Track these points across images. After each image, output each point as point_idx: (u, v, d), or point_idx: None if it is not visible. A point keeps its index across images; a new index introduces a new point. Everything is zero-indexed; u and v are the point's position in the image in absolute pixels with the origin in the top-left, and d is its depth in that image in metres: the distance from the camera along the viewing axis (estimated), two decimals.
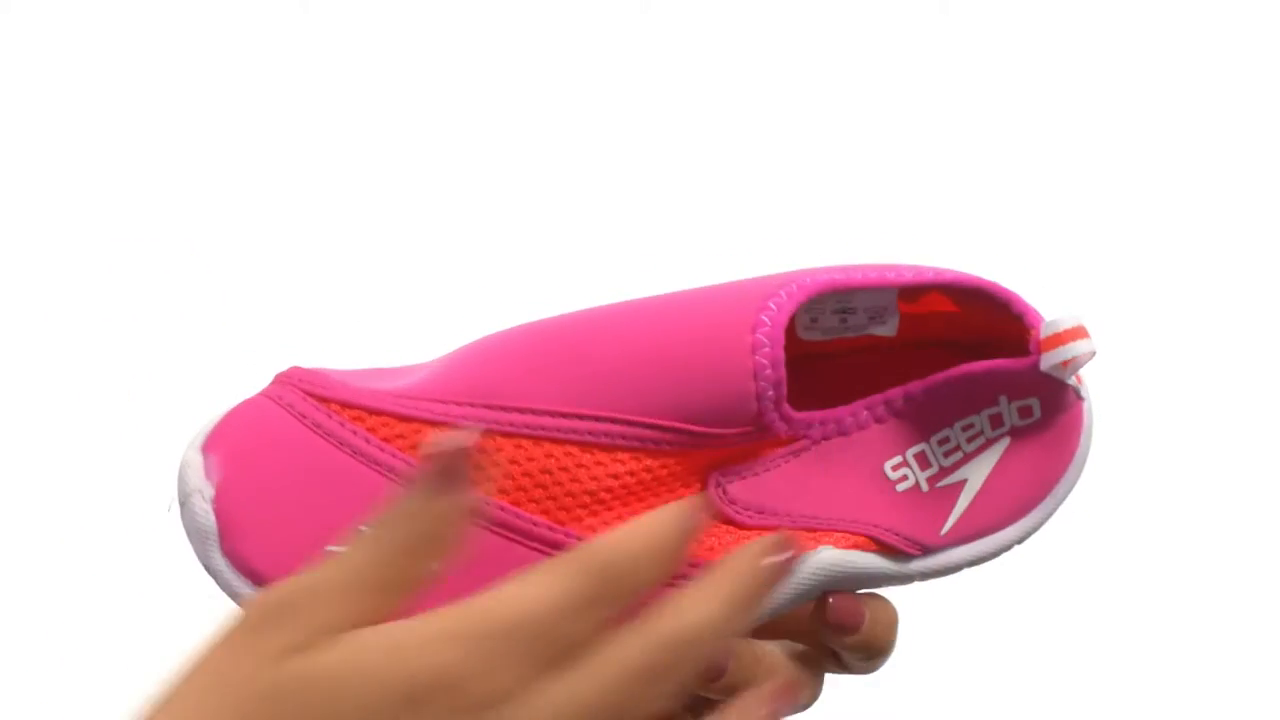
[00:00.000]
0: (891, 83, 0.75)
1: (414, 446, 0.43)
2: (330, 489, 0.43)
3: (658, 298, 0.47)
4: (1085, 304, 0.70)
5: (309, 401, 0.45)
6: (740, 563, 0.39)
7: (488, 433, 0.43)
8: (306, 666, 0.33)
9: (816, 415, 0.46)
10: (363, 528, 0.37)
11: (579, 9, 0.75)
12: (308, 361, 0.60)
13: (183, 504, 0.43)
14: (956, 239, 0.72)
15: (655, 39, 0.74)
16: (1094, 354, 0.47)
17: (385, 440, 0.43)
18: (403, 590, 0.37)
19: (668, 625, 0.37)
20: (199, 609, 0.44)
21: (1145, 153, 0.74)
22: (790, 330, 0.50)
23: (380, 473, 0.43)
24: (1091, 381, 0.53)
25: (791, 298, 0.45)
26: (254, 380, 0.59)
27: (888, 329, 0.50)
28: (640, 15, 0.75)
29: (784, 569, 0.40)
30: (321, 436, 0.44)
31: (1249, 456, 0.66)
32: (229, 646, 0.34)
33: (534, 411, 0.43)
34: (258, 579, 0.42)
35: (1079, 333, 0.47)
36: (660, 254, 0.70)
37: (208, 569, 0.42)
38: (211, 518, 0.42)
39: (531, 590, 0.36)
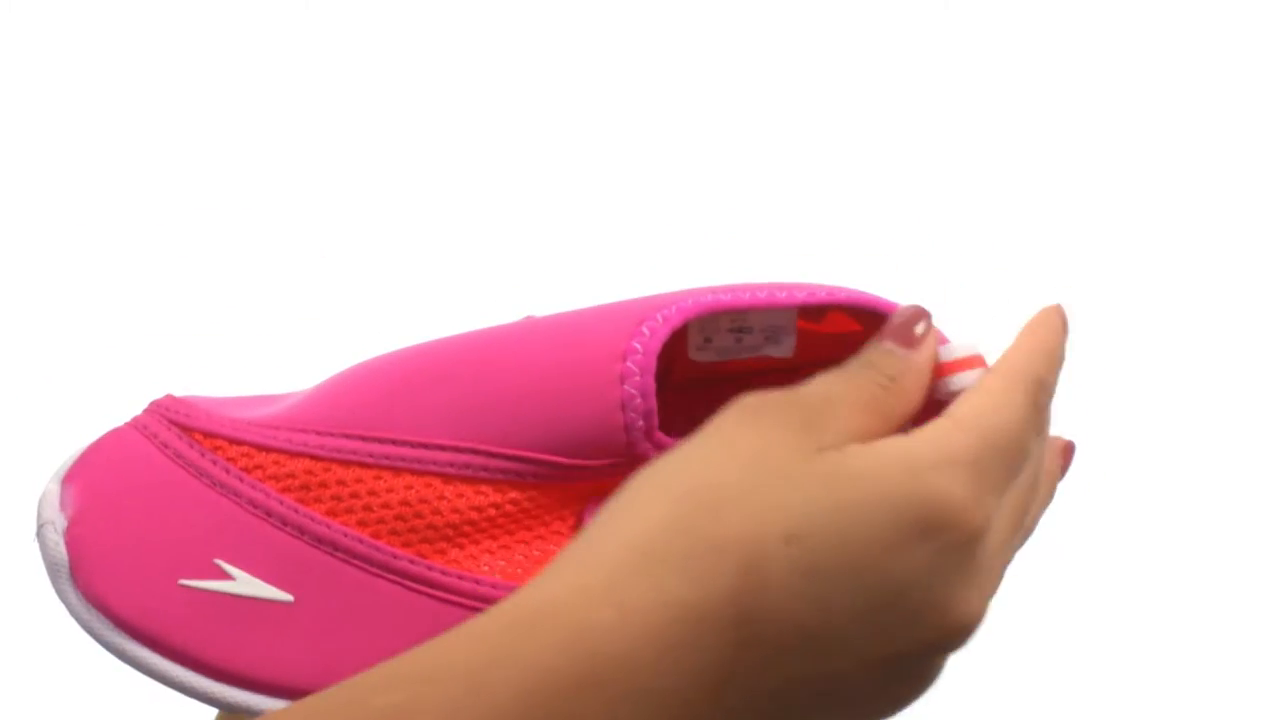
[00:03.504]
0: (890, 83, 0.74)
1: (273, 477, 0.42)
2: (187, 519, 0.42)
3: (531, 321, 0.45)
4: (1082, 302, 0.68)
5: (172, 430, 0.44)
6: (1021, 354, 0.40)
7: (345, 463, 0.42)
8: (839, 463, 0.34)
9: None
10: (854, 360, 0.39)
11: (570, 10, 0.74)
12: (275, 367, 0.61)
13: (37, 535, 0.42)
14: (952, 238, 0.70)
15: (653, 38, 0.73)
16: None
17: (245, 470, 0.43)
18: (893, 419, 0.38)
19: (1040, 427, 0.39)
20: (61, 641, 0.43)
21: (1135, 154, 0.72)
22: (682, 350, 0.48)
23: (238, 503, 0.42)
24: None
25: (667, 322, 0.43)
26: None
27: (783, 350, 0.48)
28: (638, 14, 0.73)
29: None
30: (181, 467, 0.43)
31: (1223, 461, 0.64)
32: (763, 432, 0.35)
33: (393, 441, 0.42)
34: (109, 613, 0.41)
35: (974, 362, 0.44)
36: (643, 254, 0.69)
37: (61, 600, 0.42)
38: (62, 549, 0.41)
39: (1003, 413, 0.37)
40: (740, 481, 0.34)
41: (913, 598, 0.34)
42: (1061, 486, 0.52)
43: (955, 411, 0.37)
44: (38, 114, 0.68)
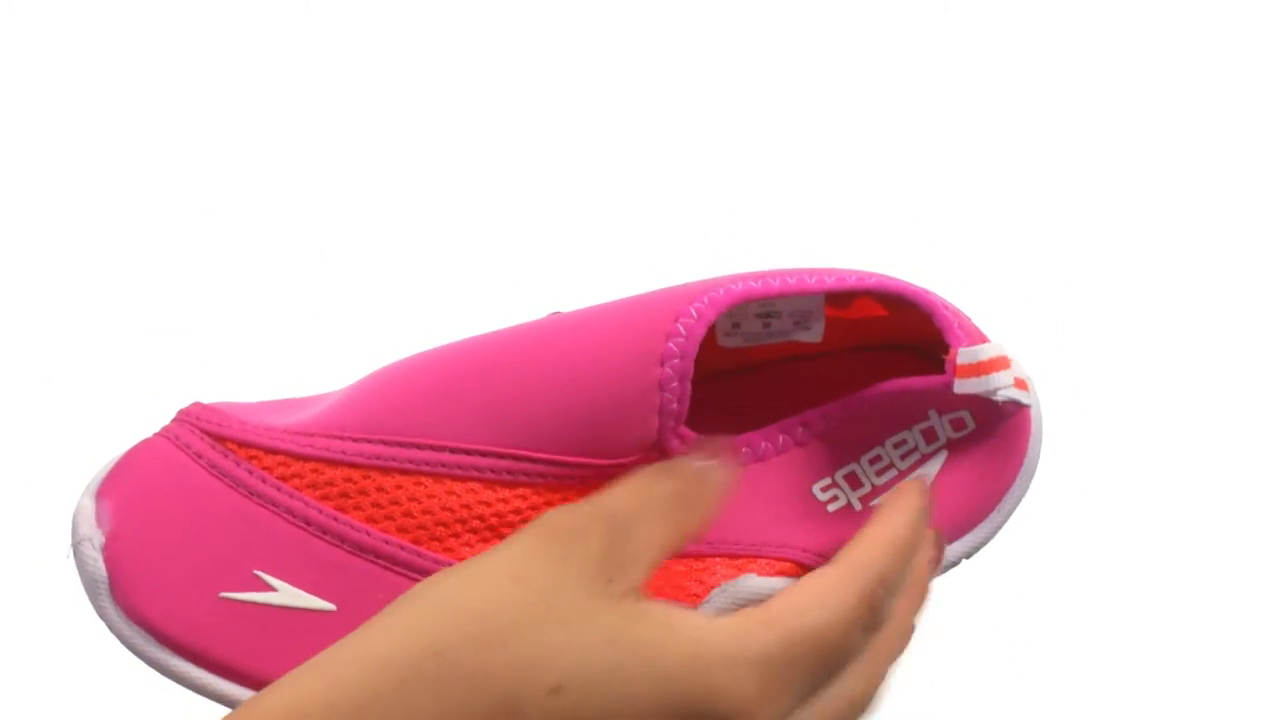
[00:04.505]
0: (888, 84, 0.73)
1: (311, 485, 0.42)
2: (226, 530, 0.42)
3: (561, 317, 0.45)
4: (1082, 307, 0.69)
5: (205, 440, 0.43)
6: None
7: (385, 470, 0.42)
8: (627, 622, 0.33)
9: (723, 441, 0.44)
10: (642, 472, 0.39)
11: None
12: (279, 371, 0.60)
13: (74, 552, 0.41)
14: (953, 238, 0.70)
15: (650, 37, 0.73)
16: (1015, 383, 0.45)
17: (282, 479, 0.42)
18: (688, 531, 0.38)
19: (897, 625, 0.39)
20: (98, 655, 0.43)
21: (1140, 153, 0.72)
22: (710, 338, 0.48)
23: (277, 513, 0.42)
24: (1059, 385, 0.52)
25: (713, 304, 0.43)
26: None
27: (812, 335, 0.48)
28: (652, 8, 0.73)
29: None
30: (217, 477, 0.42)
31: (1220, 458, 0.64)
32: (555, 565, 0.34)
33: (433, 447, 0.42)
34: (150, 628, 0.41)
35: (999, 363, 0.44)
36: (648, 252, 0.69)
37: (100, 617, 0.41)
38: (101, 566, 0.41)
39: (822, 614, 0.36)
40: (517, 619, 0.33)
41: None
42: (1061, 486, 0.52)
43: (771, 604, 0.36)
44: (54, 117, 0.67)
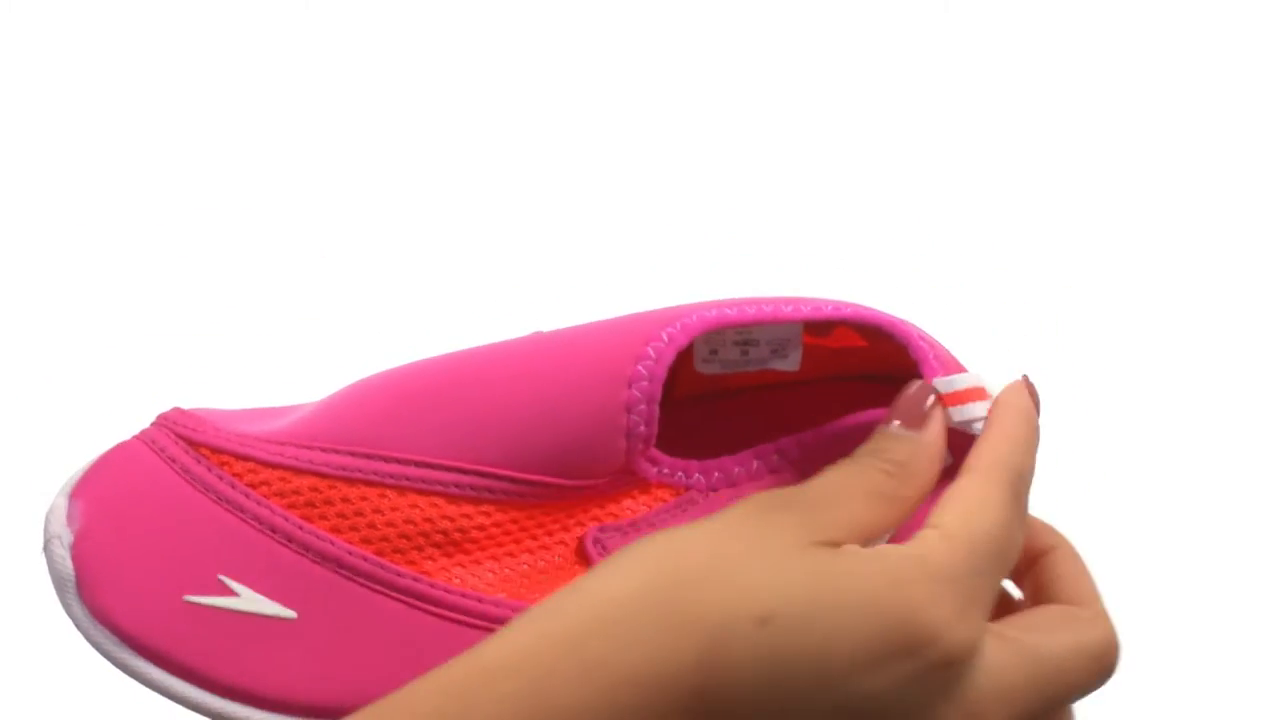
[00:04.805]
0: (889, 84, 0.73)
1: (279, 493, 0.42)
2: (193, 534, 0.42)
3: (538, 336, 0.45)
4: (1082, 307, 0.69)
5: (180, 445, 0.44)
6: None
7: (350, 481, 0.42)
8: (829, 560, 0.34)
9: (695, 464, 0.44)
10: (862, 448, 0.39)
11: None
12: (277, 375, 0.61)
13: (44, 549, 0.42)
14: (953, 238, 0.70)
15: (646, 37, 0.73)
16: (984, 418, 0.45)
17: (250, 486, 0.43)
18: (906, 504, 0.38)
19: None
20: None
21: (1134, 157, 0.72)
22: (689, 364, 0.48)
23: (244, 519, 0.42)
24: (1058, 385, 0.51)
25: (685, 330, 0.43)
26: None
27: (789, 364, 0.48)
28: (639, 27, 0.73)
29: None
30: (188, 481, 0.43)
31: (1222, 461, 0.64)
32: (763, 521, 0.36)
33: (399, 460, 0.42)
34: (115, 628, 0.41)
35: (976, 394, 0.44)
36: (650, 262, 0.69)
37: (68, 615, 0.42)
38: (69, 564, 0.42)
39: (989, 515, 0.37)
40: (724, 561, 0.34)
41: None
42: (1060, 486, 0.52)
43: (940, 520, 0.37)
44: (41, 118, 0.68)
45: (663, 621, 0.33)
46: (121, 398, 0.58)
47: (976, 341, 0.50)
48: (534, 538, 0.44)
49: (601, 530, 0.43)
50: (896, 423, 0.40)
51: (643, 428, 0.42)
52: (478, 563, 0.43)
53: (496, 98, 0.71)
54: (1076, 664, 0.37)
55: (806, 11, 0.74)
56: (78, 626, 0.42)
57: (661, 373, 0.42)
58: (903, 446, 0.39)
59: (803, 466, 0.46)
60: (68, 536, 0.42)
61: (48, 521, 0.43)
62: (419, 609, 0.42)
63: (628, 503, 0.45)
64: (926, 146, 0.72)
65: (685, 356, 0.48)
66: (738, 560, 0.34)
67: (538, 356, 0.43)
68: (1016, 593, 0.45)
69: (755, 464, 0.45)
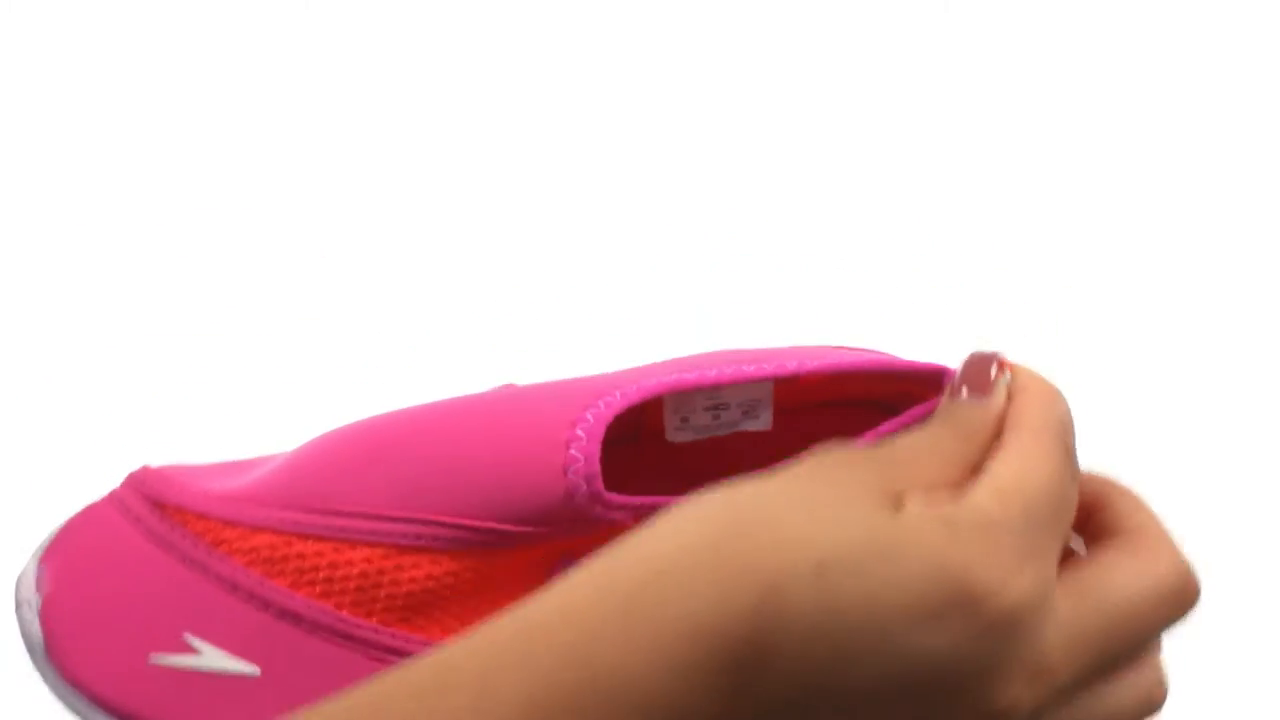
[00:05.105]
0: (888, 84, 0.73)
1: (239, 551, 0.43)
2: (158, 594, 0.43)
3: (492, 394, 0.46)
4: (1082, 307, 0.67)
5: (146, 505, 0.45)
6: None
7: (304, 536, 0.43)
8: (889, 514, 0.34)
9: (650, 501, 0.44)
10: (933, 417, 0.39)
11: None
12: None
13: (16, 613, 0.43)
14: (952, 238, 0.69)
15: (643, 36, 0.73)
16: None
17: (213, 545, 0.43)
18: (968, 474, 0.37)
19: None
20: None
21: (1134, 157, 0.70)
22: (660, 433, 0.48)
23: (206, 577, 0.43)
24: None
25: (625, 397, 0.43)
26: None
27: (761, 423, 0.48)
28: (629, 46, 0.73)
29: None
30: (153, 542, 0.44)
31: (1224, 464, 0.62)
32: (828, 475, 0.35)
33: (348, 514, 0.43)
34: (84, 689, 0.42)
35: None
36: (634, 278, 0.69)
37: (41, 676, 0.43)
38: (37, 628, 0.43)
39: (1044, 468, 0.36)
40: (780, 511, 0.33)
41: (959, 677, 0.32)
42: None
43: (994, 473, 0.36)
44: (31, 136, 0.69)
45: (718, 572, 0.32)
46: (100, 453, 0.59)
47: (976, 342, 0.49)
48: (496, 584, 0.44)
49: (576, 569, 0.43)
50: (965, 390, 0.39)
51: (584, 486, 0.42)
52: (438, 610, 0.43)
53: (492, 104, 0.72)
54: (1146, 598, 0.36)
55: (806, 11, 0.73)
56: (49, 687, 0.43)
57: (599, 431, 0.42)
58: (976, 414, 0.38)
59: None
60: (36, 601, 0.43)
61: (18, 586, 0.44)
62: (381, 660, 0.43)
63: (594, 545, 0.45)
64: (927, 146, 0.71)
65: (656, 426, 0.48)
66: (796, 510, 0.33)
67: (486, 414, 0.44)
68: (1082, 550, 0.44)
69: None
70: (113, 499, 0.46)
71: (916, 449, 0.37)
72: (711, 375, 0.44)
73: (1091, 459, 0.56)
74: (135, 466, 0.48)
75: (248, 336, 0.64)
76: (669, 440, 0.48)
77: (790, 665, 0.32)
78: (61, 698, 0.43)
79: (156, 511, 0.44)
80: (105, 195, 0.68)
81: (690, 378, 0.44)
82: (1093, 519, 0.41)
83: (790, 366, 0.46)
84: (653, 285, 0.67)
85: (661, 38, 0.74)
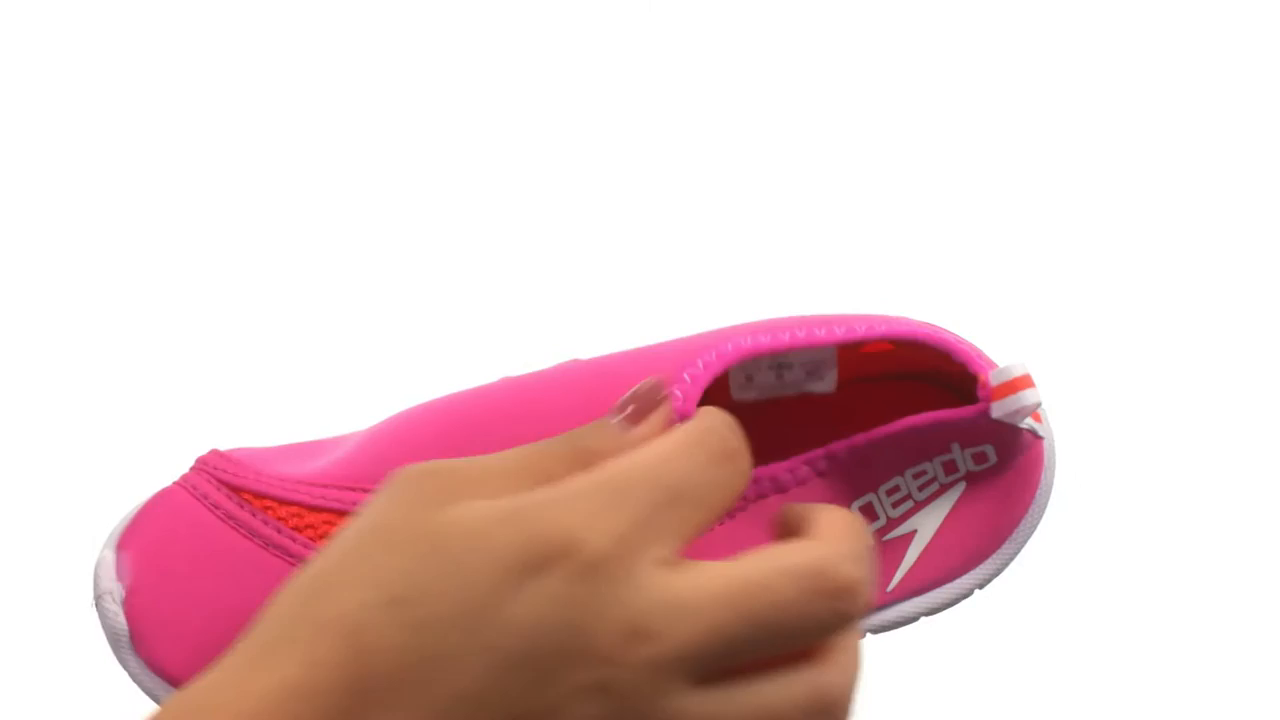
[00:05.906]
0: (889, 84, 0.73)
1: (324, 537, 0.42)
2: (242, 580, 0.42)
3: (571, 366, 0.45)
4: (1082, 307, 0.68)
5: (222, 491, 0.44)
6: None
7: None
8: (451, 523, 0.33)
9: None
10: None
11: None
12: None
13: (96, 605, 0.42)
14: (952, 238, 0.69)
15: (640, 37, 0.72)
16: (1039, 404, 0.45)
17: (296, 530, 0.43)
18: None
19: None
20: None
21: (1134, 158, 0.71)
22: (725, 391, 0.48)
23: (292, 564, 0.42)
24: (1057, 387, 0.51)
25: (708, 368, 0.43)
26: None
27: (825, 385, 0.48)
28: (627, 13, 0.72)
29: None
30: (233, 527, 0.43)
31: (1228, 468, 0.63)
32: (388, 503, 0.35)
33: None
34: (171, 680, 0.41)
35: (1026, 382, 0.44)
36: (681, 266, 0.69)
37: (124, 668, 0.42)
38: (122, 620, 0.42)
39: (656, 456, 0.35)
40: (344, 560, 0.33)
41: (555, 640, 0.32)
42: (1062, 488, 0.52)
43: (602, 467, 0.35)
44: (46, 137, 0.68)
45: (299, 635, 0.32)
46: (153, 434, 0.58)
47: (981, 339, 0.49)
48: None
49: None
50: (613, 416, 0.38)
51: None
52: None
53: (511, 109, 0.71)
54: (773, 574, 0.34)
55: (807, 11, 0.73)
56: (134, 679, 0.42)
57: (691, 409, 0.42)
58: (603, 437, 0.37)
59: (851, 470, 0.46)
60: (119, 591, 0.42)
61: (97, 576, 0.43)
62: None
63: None
64: (927, 147, 0.71)
65: (720, 385, 0.48)
66: (356, 555, 0.33)
67: (573, 390, 0.43)
68: None
69: (804, 469, 0.45)
70: (184, 484, 0.45)
71: (498, 464, 0.36)
72: (784, 339, 0.44)
73: (1088, 455, 0.57)
74: (174, 451, 0.47)
75: (277, 324, 0.63)
76: (735, 399, 0.48)
77: (392, 691, 0.32)
78: (147, 689, 0.42)
79: (235, 497, 0.44)
80: (165, 194, 0.67)
81: (765, 341, 0.44)
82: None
83: (859, 331, 0.46)
84: (677, 286, 0.67)
85: (668, 42, 0.73)
